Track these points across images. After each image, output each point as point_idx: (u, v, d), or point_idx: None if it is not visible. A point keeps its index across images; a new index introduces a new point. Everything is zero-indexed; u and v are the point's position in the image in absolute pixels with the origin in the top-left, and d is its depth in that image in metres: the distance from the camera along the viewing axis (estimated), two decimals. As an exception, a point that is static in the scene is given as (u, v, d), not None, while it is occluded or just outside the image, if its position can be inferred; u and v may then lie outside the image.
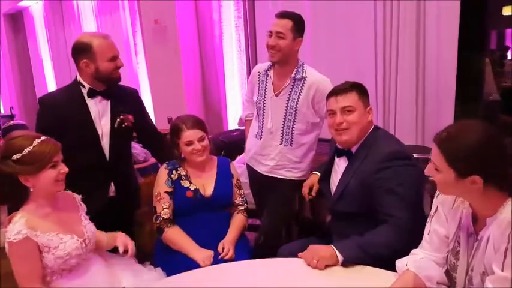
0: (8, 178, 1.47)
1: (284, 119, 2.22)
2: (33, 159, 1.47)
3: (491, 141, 1.16)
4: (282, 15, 2.14)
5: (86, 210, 1.70)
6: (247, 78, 2.82)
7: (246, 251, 1.97)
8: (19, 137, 1.52)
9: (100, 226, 1.73)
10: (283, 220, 2.37)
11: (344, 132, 1.70)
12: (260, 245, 2.24)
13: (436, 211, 1.39)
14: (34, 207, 1.52)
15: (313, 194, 2.04)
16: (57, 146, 1.53)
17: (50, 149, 1.50)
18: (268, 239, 2.18)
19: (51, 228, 1.52)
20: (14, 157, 1.46)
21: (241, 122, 2.60)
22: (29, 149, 1.47)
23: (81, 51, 1.95)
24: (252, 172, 2.43)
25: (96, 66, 1.95)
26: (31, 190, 1.52)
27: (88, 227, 1.64)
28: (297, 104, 2.18)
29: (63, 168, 1.53)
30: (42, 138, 1.51)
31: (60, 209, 1.59)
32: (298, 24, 2.14)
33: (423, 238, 1.42)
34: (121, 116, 2.05)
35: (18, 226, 1.45)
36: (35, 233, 1.47)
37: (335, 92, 1.73)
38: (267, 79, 2.27)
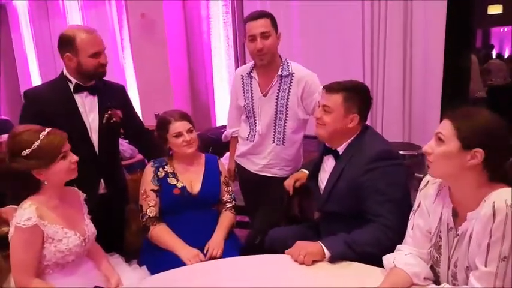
0: (20, 174, 1.47)
1: (275, 118, 2.19)
2: (44, 153, 1.46)
3: (499, 122, 1.21)
4: (257, 16, 2.08)
5: (87, 210, 1.69)
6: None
7: (235, 248, 1.96)
8: (24, 132, 1.50)
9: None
10: (278, 217, 2.35)
11: (320, 127, 1.72)
12: (257, 244, 2.19)
13: (419, 206, 1.41)
14: (43, 199, 1.52)
15: (296, 185, 2.03)
16: (64, 135, 1.53)
17: (58, 140, 1.49)
18: (264, 237, 2.15)
19: (57, 221, 1.52)
20: (24, 153, 1.45)
21: (227, 137, 2.51)
22: (37, 143, 1.46)
23: (65, 44, 1.93)
24: (242, 171, 2.40)
25: (78, 61, 1.92)
26: (45, 183, 1.51)
27: (89, 226, 1.64)
28: (287, 101, 2.16)
29: (73, 157, 1.54)
30: (48, 130, 1.50)
31: (66, 205, 1.60)
32: (274, 19, 2.11)
33: (407, 233, 1.44)
34: (109, 112, 2.02)
35: (29, 213, 1.44)
36: (43, 222, 1.47)
37: (326, 87, 1.73)
38: (251, 81, 2.23)
